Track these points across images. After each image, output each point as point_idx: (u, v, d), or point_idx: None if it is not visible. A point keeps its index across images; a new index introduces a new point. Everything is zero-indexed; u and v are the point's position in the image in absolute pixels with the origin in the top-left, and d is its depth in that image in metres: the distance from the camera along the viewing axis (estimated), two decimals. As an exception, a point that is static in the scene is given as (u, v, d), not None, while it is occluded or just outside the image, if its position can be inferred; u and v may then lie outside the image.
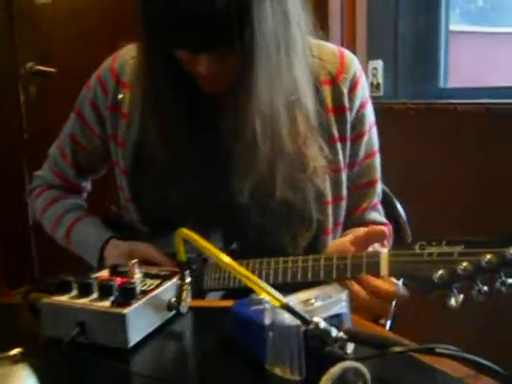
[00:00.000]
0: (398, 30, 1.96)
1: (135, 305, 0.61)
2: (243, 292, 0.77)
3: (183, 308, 0.67)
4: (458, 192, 1.63)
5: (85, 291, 0.63)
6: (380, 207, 1.05)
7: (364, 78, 0.97)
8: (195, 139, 0.89)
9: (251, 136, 0.83)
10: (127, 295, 0.61)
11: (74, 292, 0.64)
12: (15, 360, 0.41)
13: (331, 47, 0.97)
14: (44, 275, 2.59)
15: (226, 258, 0.50)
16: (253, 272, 0.84)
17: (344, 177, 0.95)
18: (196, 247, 0.57)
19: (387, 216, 1.08)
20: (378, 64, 1.96)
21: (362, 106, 0.96)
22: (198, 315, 0.70)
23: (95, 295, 0.63)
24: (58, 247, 1.10)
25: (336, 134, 0.93)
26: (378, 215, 1.04)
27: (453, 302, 0.66)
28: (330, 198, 0.94)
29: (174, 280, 0.68)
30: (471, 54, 2.08)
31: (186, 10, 0.71)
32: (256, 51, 0.74)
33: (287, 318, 0.55)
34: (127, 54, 0.99)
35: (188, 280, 0.67)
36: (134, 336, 0.61)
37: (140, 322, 0.62)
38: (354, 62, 0.96)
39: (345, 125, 0.94)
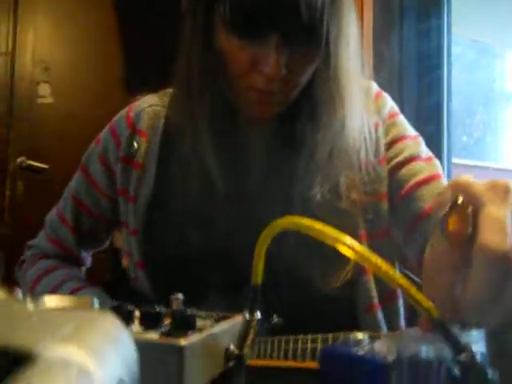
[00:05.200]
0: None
1: (195, 338, 0.44)
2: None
3: (247, 356, 0.49)
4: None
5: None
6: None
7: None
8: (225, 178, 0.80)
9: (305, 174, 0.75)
10: (183, 325, 0.45)
11: (105, 322, 0.47)
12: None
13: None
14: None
15: (360, 247, 0.36)
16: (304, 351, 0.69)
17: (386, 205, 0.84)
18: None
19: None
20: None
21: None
22: (264, 375, 0.53)
23: (135, 327, 0.46)
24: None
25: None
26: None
27: None
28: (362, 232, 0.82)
29: (235, 320, 0.51)
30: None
31: None
32: (342, 55, 0.67)
33: (423, 351, 0.39)
34: (145, 103, 0.93)
35: (258, 316, 0.50)
36: (191, 381, 0.43)
37: (198, 366, 0.44)
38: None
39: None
